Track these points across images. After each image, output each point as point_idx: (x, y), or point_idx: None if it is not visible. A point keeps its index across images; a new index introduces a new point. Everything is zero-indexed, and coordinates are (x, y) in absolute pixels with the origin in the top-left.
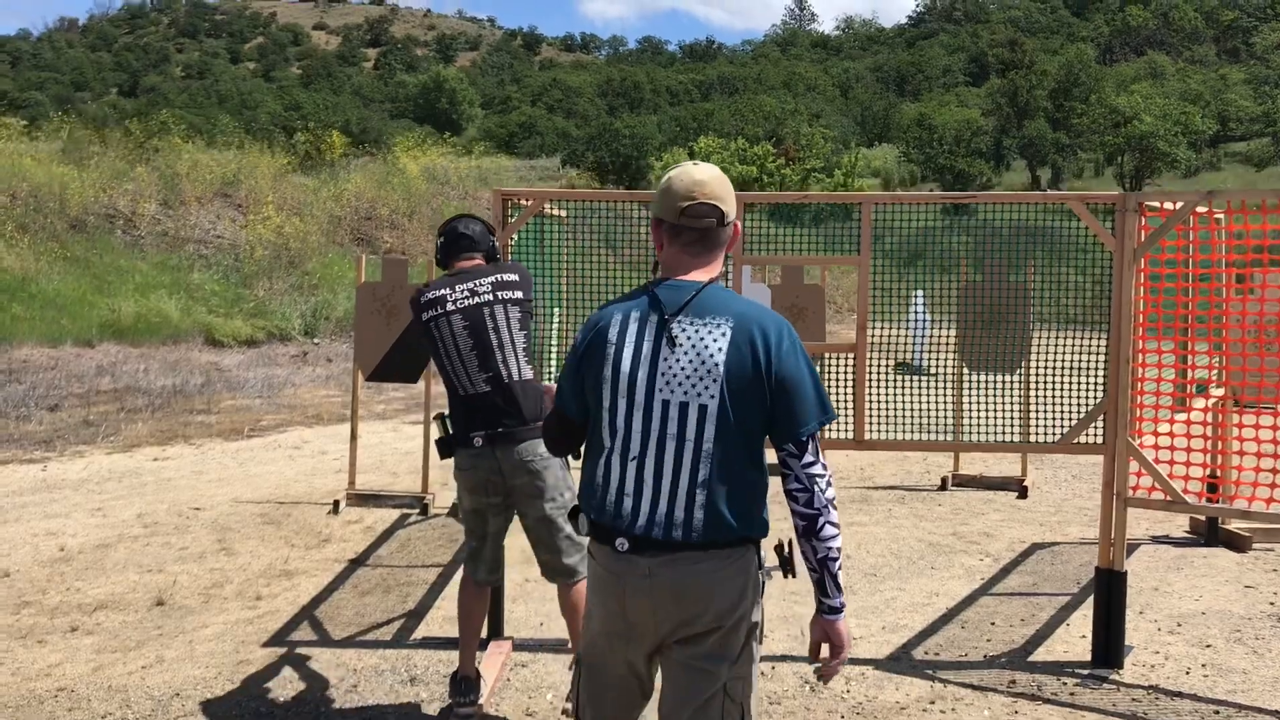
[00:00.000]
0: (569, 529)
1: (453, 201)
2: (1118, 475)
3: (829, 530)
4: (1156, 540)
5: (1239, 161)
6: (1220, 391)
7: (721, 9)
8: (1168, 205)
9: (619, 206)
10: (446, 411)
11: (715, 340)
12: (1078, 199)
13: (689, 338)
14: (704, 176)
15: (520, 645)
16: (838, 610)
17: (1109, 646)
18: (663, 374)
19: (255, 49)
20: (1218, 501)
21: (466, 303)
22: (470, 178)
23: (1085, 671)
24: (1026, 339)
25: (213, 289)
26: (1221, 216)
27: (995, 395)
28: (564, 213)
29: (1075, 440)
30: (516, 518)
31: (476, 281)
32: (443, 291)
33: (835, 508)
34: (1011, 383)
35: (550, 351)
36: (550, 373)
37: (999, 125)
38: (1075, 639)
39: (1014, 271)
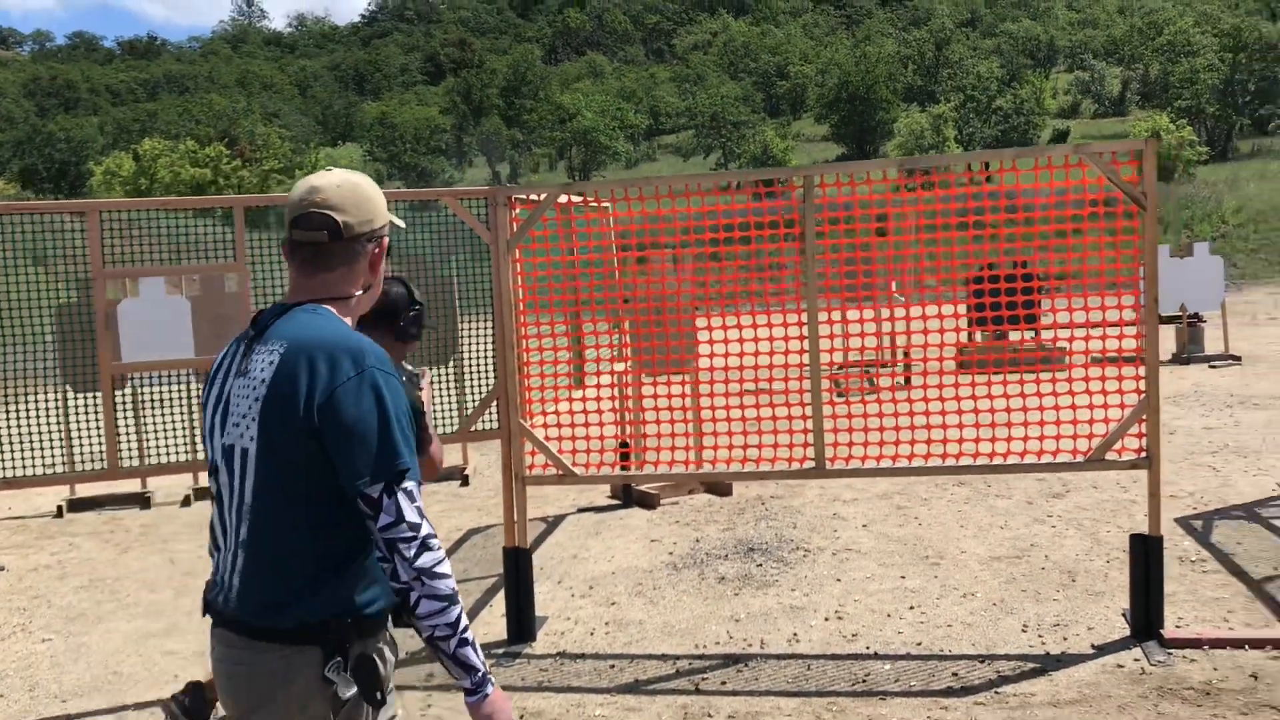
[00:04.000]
0: None
1: None
2: (514, 457)
3: (427, 605)
4: (582, 510)
5: (671, 152)
6: (623, 366)
7: (161, 4)
8: (534, 197)
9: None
10: None
11: (263, 371)
12: (451, 195)
13: (251, 369)
14: (322, 182)
15: None
16: (473, 692)
17: (521, 622)
18: (231, 413)
19: None
20: (631, 469)
21: None
22: None
23: (501, 650)
24: (455, 331)
25: None
26: (609, 205)
27: (431, 386)
28: None
29: (472, 428)
30: None
31: None
32: None
33: (438, 575)
34: (446, 374)
35: None
36: None
37: (457, 123)
38: (497, 619)
39: (443, 265)
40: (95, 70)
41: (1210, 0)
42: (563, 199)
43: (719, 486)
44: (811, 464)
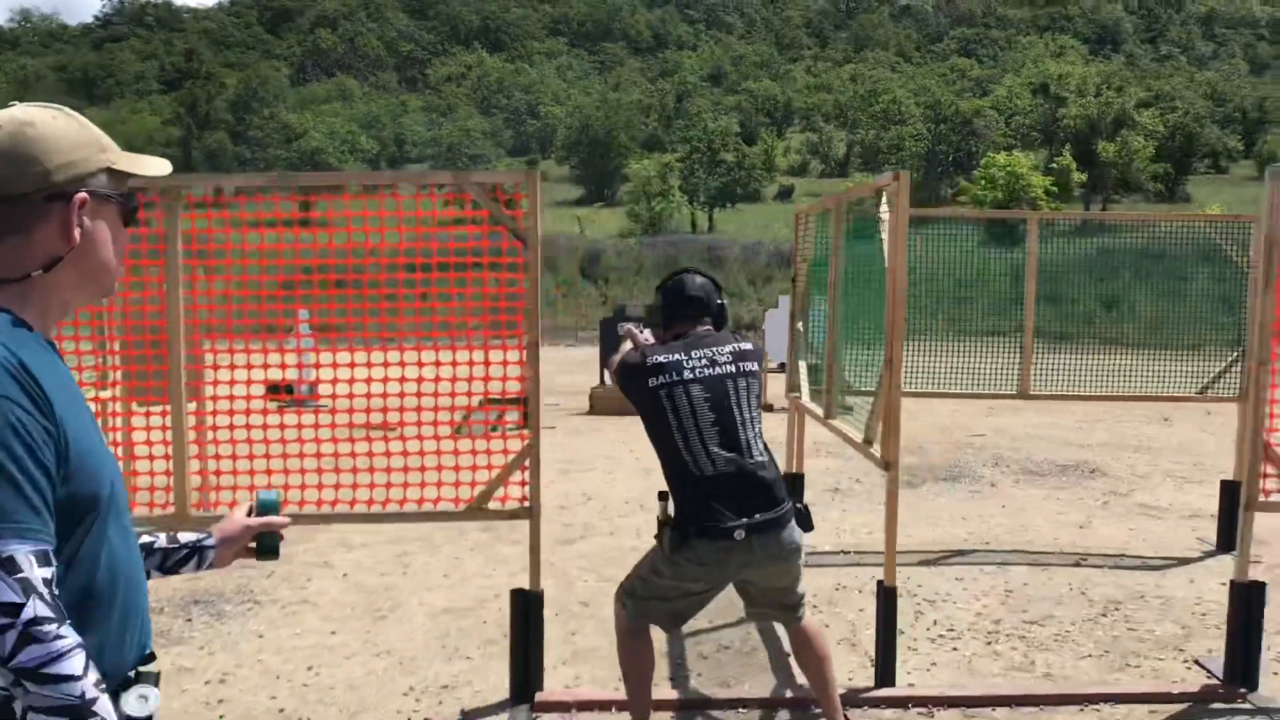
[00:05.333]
0: (800, 583)
1: None
2: None
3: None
4: None
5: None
6: (109, 393)
7: None
8: None
9: None
10: (668, 493)
11: None
12: None
13: None
14: None
15: None
16: None
17: None
18: None
19: None
20: None
21: (707, 372)
22: None
23: None
24: None
25: None
26: None
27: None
28: None
29: None
30: None
31: (715, 350)
32: (677, 357)
33: (51, 679)
34: None
35: None
36: None
37: (183, 136)
38: None
39: None
40: None
41: (930, 75)
42: None
43: None
44: (173, 509)
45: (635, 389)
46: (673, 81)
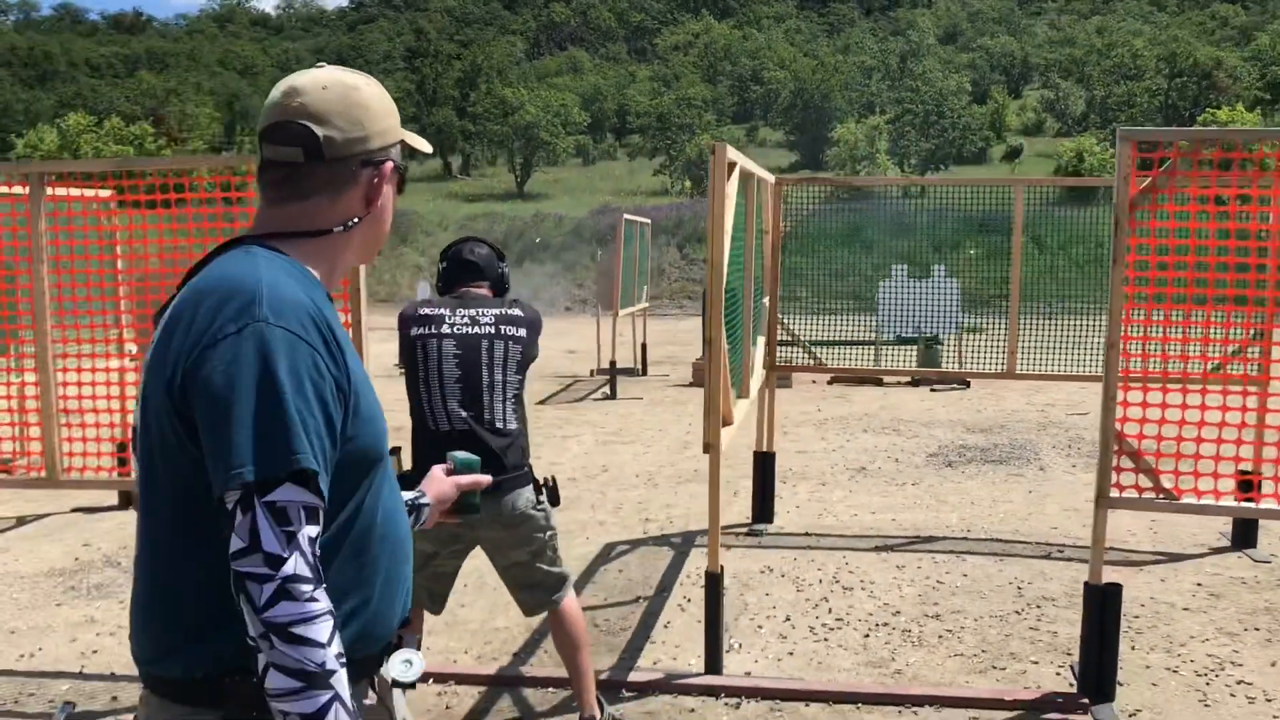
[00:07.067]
0: (545, 559)
1: None
2: None
3: (276, 680)
4: None
5: (636, 151)
6: None
7: None
8: None
9: None
10: (407, 447)
11: (162, 329)
12: None
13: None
14: (304, 82)
15: None
16: None
17: None
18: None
19: None
20: None
21: (465, 330)
22: None
23: None
24: None
25: None
26: None
27: None
28: None
29: None
30: None
31: (480, 310)
32: (441, 311)
33: (299, 640)
34: None
35: None
36: None
37: (413, 113)
38: None
39: None
40: (76, 42)
41: (1185, 24)
42: None
43: None
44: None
45: (400, 338)
46: (895, 41)
